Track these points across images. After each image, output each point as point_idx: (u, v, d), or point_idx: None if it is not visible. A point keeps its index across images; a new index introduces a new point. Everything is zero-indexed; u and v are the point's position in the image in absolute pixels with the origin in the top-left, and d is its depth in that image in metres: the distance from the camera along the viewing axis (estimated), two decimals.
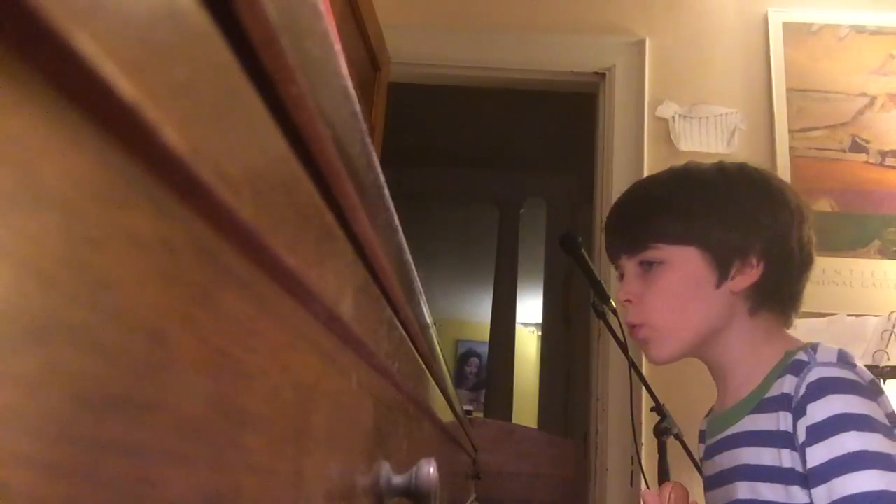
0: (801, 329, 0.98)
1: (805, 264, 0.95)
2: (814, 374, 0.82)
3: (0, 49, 0.11)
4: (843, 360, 0.84)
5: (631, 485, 2.11)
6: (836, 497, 0.76)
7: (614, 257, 1.00)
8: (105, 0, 0.12)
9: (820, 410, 0.79)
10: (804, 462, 0.80)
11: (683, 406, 1.78)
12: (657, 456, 1.54)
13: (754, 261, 0.91)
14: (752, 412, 0.88)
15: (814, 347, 0.87)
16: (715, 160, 1.06)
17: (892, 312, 1.84)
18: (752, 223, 0.92)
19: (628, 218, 1.00)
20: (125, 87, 0.13)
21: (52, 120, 0.12)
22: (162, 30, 0.14)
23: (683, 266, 0.93)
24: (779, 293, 0.93)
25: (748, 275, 0.91)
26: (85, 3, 0.11)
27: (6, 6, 0.10)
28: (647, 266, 0.95)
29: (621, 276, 1.00)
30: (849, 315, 1.94)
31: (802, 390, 0.81)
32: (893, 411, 0.83)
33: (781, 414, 0.83)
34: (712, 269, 0.92)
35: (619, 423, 2.11)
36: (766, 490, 0.84)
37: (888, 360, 1.76)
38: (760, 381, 0.89)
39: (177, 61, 0.14)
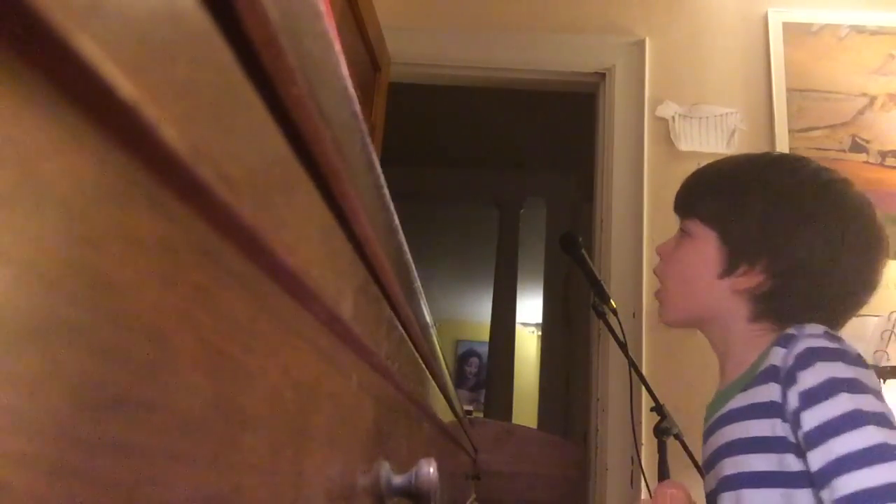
0: None
1: (830, 298, 0.91)
2: (801, 345, 0.82)
3: (0, 49, 0.11)
4: (830, 335, 0.85)
5: (631, 485, 2.11)
6: (832, 457, 0.75)
7: (677, 214, 1.05)
8: (105, 0, 0.12)
9: (810, 377, 0.80)
10: (797, 428, 0.80)
11: (683, 406, 1.77)
12: (657, 456, 1.54)
13: (758, 269, 0.92)
14: (744, 389, 0.89)
15: (802, 325, 0.87)
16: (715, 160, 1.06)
17: (892, 312, 1.84)
18: (772, 236, 0.92)
19: (691, 183, 1.04)
20: (125, 86, 0.13)
21: (52, 120, 0.12)
22: (162, 30, 0.14)
23: (702, 245, 0.97)
24: (780, 310, 0.92)
25: (749, 279, 0.92)
26: (85, 3, 0.11)
27: (6, 6, 0.10)
28: (682, 235, 1.00)
29: None
30: None
31: (791, 360, 0.82)
32: (879, 388, 0.83)
33: (772, 385, 0.84)
34: (722, 259, 0.94)
35: (619, 423, 2.11)
36: (759, 461, 0.84)
37: (888, 360, 1.76)
38: (753, 360, 0.90)
39: (177, 61, 0.14)
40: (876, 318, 1.87)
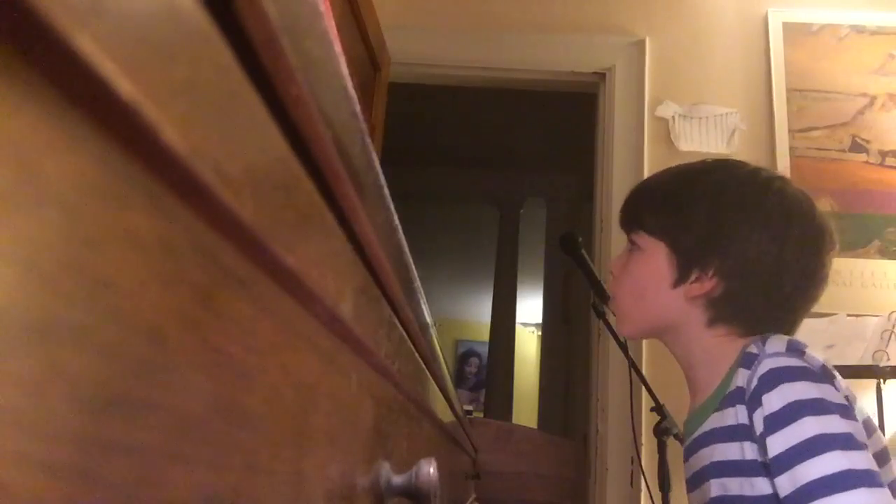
0: (802, 329, 0.97)
1: (785, 291, 0.91)
2: (764, 366, 0.82)
3: (0, 49, 0.11)
4: (792, 348, 0.85)
5: (631, 485, 2.11)
6: (799, 484, 0.76)
7: (623, 230, 1.06)
8: (105, 0, 0.12)
9: (775, 400, 0.80)
10: (763, 453, 0.80)
11: (683, 406, 1.77)
12: (657, 456, 1.54)
13: (710, 274, 0.92)
14: (716, 410, 0.90)
15: (764, 339, 0.87)
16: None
17: (892, 312, 1.84)
18: (720, 239, 0.92)
19: (633, 198, 1.04)
20: (125, 87, 0.13)
21: (52, 120, 0.12)
22: (162, 30, 0.14)
23: (651, 257, 0.97)
24: (736, 312, 0.92)
25: (703, 285, 0.92)
26: (85, 3, 0.11)
27: (6, 6, 0.10)
28: (631, 249, 1.00)
29: None
30: (849, 315, 1.94)
31: (755, 382, 0.82)
32: (849, 395, 0.84)
33: (739, 408, 0.85)
34: (674, 269, 0.94)
35: (619, 423, 2.11)
36: (734, 484, 0.85)
37: (888, 360, 1.76)
38: (721, 378, 0.90)
39: (177, 61, 0.14)
40: (876, 319, 1.87)
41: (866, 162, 2.31)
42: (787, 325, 0.93)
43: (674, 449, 1.55)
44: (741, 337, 0.92)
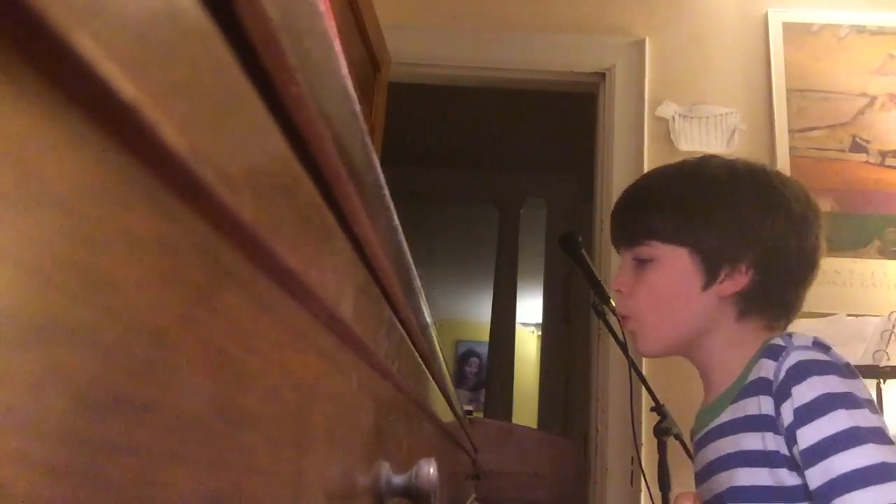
0: (801, 329, 0.97)
1: (804, 272, 0.94)
2: (792, 358, 0.82)
3: (0, 49, 0.11)
4: (818, 343, 0.85)
5: (631, 485, 2.11)
6: (833, 475, 0.75)
7: (616, 246, 1.02)
8: (105, 0, 0.12)
9: (805, 392, 0.79)
10: (792, 444, 0.80)
11: (683, 406, 1.77)
12: (657, 456, 1.54)
13: (744, 268, 0.91)
14: (734, 401, 0.89)
15: (789, 334, 0.88)
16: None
17: (892, 312, 1.84)
18: (747, 231, 0.92)
19: (629, 210, 1.01)
20: (125, 87, 0.13)
21: (52, 120, 0.12)
22: (162, 30, 0.14)
23: (672, 266, 0.93)
24: (769, 301, 0.93)
25: (736, 281, 0.91)
26: (85, 3, 0.11)
27: (6, 6, 0.10)
28: (640, 263, 0.96)
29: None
30: (849, 315, 1.94)
31: (783, 374, 0.82)
32: (871, 397, 0.84)
33: (762, 398, 0.84)
34: (700, 271, 0.92)
35: (619, 423, 2.11)
36: (751, 475, 0.84)
37: (888, 360, 1.76)
38: (740, 372, 0.90)
39: (177, 61, 0.14)
40: (876, 318, 1.87)
41: (866, 162, 2.31)
42: (795, 308, 0.95)
43: (674, 449, 1.55)
44: (766, 329, 0.92)
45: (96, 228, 0.13)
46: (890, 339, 1.78)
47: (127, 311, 0.14)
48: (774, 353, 0.85)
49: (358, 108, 0.26)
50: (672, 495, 1.48)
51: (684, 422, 1.59)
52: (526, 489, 2.12)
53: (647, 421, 1.93)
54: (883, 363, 1.75)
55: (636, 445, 1.74)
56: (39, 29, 0.11)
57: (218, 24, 0.16)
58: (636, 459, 1.90)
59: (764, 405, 0.83)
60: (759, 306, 0.92)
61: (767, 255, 0.91)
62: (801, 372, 0.81)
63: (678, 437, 1.55)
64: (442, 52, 2.46)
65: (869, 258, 2.22)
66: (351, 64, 1.77)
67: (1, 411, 0.10)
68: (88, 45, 0.12)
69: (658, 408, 1.55)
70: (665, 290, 0.94)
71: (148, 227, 0.15)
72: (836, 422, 0.77)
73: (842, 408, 0.78)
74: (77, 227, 0.12)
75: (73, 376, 0.12)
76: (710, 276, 0.92)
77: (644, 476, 1.69)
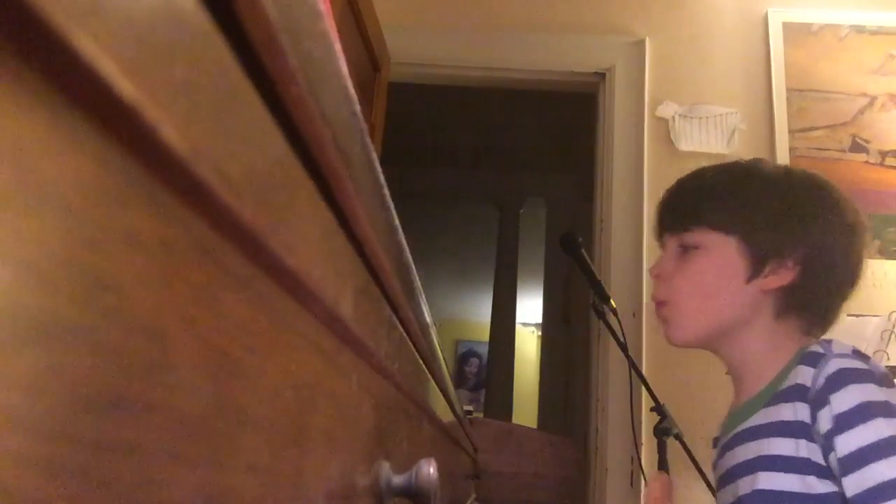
0: None
1: (847, 281, 0.93)
2: (833, 366, 0.82)
3: (0, 49, 0.11)
4: (857, 352, 0.85)
5: (631, 485, 2.11)
6: (872, 483, 0.75)
7: (659, 234, 1.01)
8: (105, 0, 0.12)
9: (844, 400, 0.79)
10: (828, 452, 0.79)
11: (683, 406, 1.77)
12: (657, 456, 1.54)
13: (790, 263, 0.91)
14: (767, 405, 0.88)
15: (828, 341, 0.87)
16: (715, 160, 1.05)
17: (892, 312, 1.84)
18: (799, 226, 0.91)
19: (680, 196, 1.00)
20: (125, 87, 0.13)
21: (53, 120, 0.12)
22: (162, 30, 0.14)
23: (719, 254, 0.93)
24: (808, 302, 0.92)
25: (781, 276, 0.91)
26: (85, 3, 0.11)
27: (6, 6, 0.10)
28: (685, 250, 0.96)
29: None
30: (849, 315, 1.93)
31: (821, 381, 0.81)
32: None
33: (798, 405, 0.83)
34: (747, 262, 0.92)
35: (619, 423, 2.11)
36: (781, 480, 0.83)
37: (888, 360, 1.76)
38: (775, 375, 0.89)
39: (177, 61, 0.14)
40: (876, 318, 1.87)
41: (866, 162, 2.31)
42: (831, 318, 0.94)
43: (674, 449, 1.56)
44: (803, 333, 0.92)
45: (96, 229, 0.13)
46: (890, 339, 1.78)
47: (127, 311, 0.14)
48: (813, 360, 0.84)
49: (358, 108, 0.26)
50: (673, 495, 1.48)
51: (684, 422, 1.59)
52: (526, 489, 2.12)
53: (647, 421, 1.93)
54: (883, 363, 1.75)
55: (636, 445, 1.74)
56: (39, 29, 0.11)
57: (218, 25, 0.16)
58: (636, 459, 1.91)
59: (800, 412, 0.83)
60: (798, 306, 0.92)
61: (815, 254, 0.91)
62: (841, 380, 0.80)
63: (678, 437, 1.55)
64: (442, 52, 2.46)
65: (869, 258, 2.21)
66: (351, 64, 1.77)
67: (1, 411, 0.10)
68: (88, 46, 0.12)
69: (658, 408, 1.55)
70: (708, 278, 0.94)
71: (148, 228, 0.15)
72: (875, 430, 0.77)
73: (881, 416, 0.78)
74: (77, 228, 0.12)
75: (73, 376, 0.12)
76: (756, 267, 0.91)
77: (644, 476, 1.69)
